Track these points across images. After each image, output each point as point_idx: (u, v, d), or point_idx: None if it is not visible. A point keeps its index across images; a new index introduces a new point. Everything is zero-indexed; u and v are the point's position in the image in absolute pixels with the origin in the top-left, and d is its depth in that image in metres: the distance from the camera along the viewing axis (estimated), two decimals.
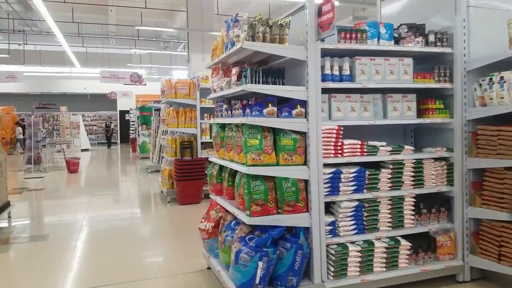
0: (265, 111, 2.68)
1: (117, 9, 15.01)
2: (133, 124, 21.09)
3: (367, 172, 2.97)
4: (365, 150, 2.98)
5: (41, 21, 15.52)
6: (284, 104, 2.75)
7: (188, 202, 6.47)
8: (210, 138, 7.06)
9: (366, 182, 2.97)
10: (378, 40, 3.07)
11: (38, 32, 17.13)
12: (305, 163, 2.79)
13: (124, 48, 20.21)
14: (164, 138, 9.12)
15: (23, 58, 18.02)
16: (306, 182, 2.79)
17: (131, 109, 22.20)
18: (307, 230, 2.77)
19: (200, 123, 6.91)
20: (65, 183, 9.61)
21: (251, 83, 2.70)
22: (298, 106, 2.73)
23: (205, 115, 6.97)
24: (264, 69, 2.74)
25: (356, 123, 3.03)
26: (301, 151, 2.76)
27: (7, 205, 5.77)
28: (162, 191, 7.66)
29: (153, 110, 14.78)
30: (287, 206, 2.71)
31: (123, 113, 24.33)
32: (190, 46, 15.61)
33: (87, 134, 21.90)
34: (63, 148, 13.20)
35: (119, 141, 24.94)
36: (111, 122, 23.50)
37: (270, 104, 2.68)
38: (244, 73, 2.78)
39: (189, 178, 6.39)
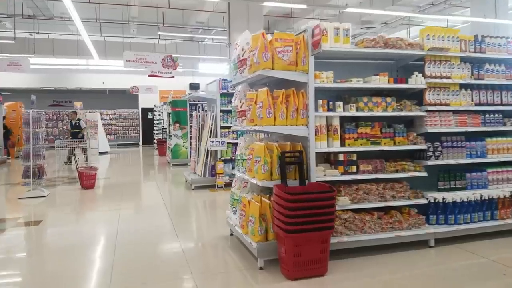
0: None
1: None
2: (158, 123, 18.22)
3: None
4: None
5: (54, 1, 12.72)
6: None
7: (306, 275, 3.28)
8: (328, 146, 3.87)
9: None
10: None
11: (50, 17, 14.28)
12: None
13: (146, 38, 17.31)
14: (236, 143, 5.96)
15: (33, 47, 15.22)
16: None
17: (155, 106, 19.33)
18: None
19: (314, 117, 3.73)
20: (75, 207, 6.56)
21: None
22: None
23: (320, 102, 3.80)
24: None
25: None
26: None
27: None
28: (232, 233, 4.54)
29: (188, 104, 11.81)
30: None
31: (145, 110, 21.57)
32: (232, 26, 12.52)
33: (106, 135, 19.06)
34: (74, 154, 10.23)
35: (141, 143, 22.08)
36: (79, 119, 12.34)
37: None
38: None
39: (309, 227, 3.21)
